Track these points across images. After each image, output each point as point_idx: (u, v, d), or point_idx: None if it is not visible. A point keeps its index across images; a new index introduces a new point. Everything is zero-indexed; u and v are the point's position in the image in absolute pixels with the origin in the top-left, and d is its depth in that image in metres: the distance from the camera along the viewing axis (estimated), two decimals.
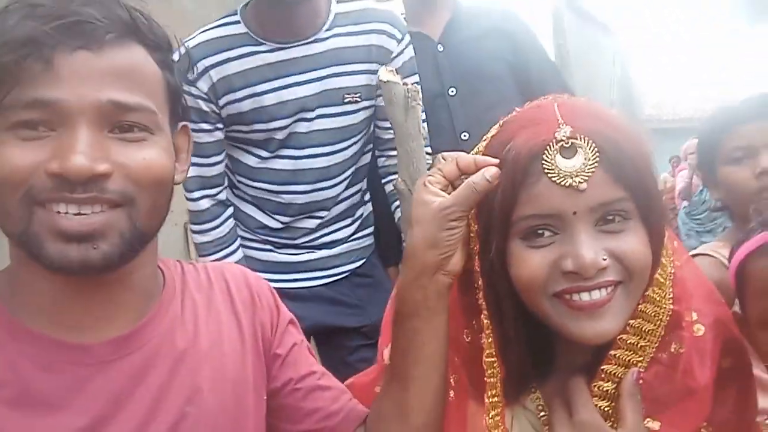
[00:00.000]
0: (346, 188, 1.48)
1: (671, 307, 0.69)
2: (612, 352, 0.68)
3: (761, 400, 0.75)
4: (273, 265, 1.48)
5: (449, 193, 0.69)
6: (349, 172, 1.46)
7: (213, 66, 1.33)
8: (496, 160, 0.67)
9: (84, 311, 0.65)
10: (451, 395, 0.72)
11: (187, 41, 1.32)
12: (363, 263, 1.56)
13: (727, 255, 1.13)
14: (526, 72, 1.61)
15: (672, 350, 0.69)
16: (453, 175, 0.70)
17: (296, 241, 1.49)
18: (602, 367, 0.68)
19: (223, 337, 0.75)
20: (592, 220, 0.64)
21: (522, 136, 0.66)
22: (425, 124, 1.28)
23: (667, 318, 0.69)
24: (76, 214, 0.59)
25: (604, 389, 0.68)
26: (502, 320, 0.70)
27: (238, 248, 1.47)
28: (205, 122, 1.36)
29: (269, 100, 1.36)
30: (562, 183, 0.63)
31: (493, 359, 0.70)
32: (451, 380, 0.73)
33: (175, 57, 0.73)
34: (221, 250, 1.44)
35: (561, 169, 0.63)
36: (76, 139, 0.59)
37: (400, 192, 1.24)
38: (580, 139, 0.64)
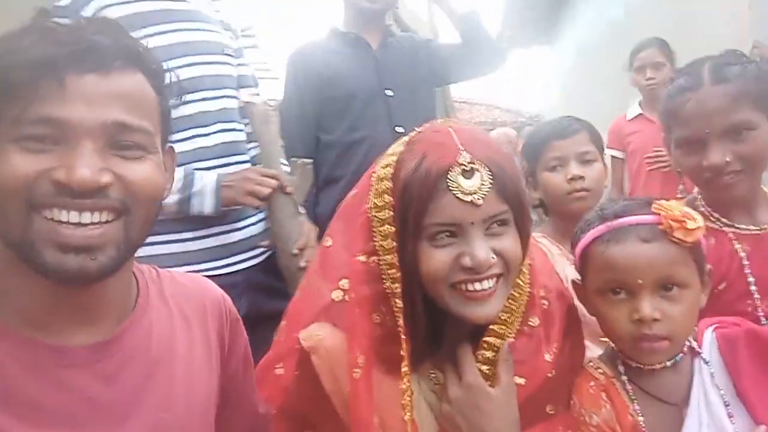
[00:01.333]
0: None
1: (529, 290, 0.89)
2: (491, 327, 0.85)
3: (594, 349, 1.01)
4: (206, 253, 1.43)
5: None
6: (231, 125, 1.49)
7: (106, 6, 1.35)
8: None
9: (67, 316, 0.67)
10: (360, 374, 0.82)
11: None
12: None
13: (546, 243, 1.43)
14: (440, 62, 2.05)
15: (530, 324, 0.89)
16: None
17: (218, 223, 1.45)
18: (484, 339, 0.86)
19: (194, 352, 0.79)
20: (483, 227, 0.81)
21: (430, 157, 0.81)
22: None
23: (527, 298, 0.89)
24: (76, 225, 0.62)
25: (486, 356, 0.86)
26: (412, 304, 0.83)
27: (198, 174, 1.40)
28: None
29: (160, 41, 1.39)
30: (464, 199, 0.79)
31: (404, 336, 0.83)
32: (358, 360, 0.82)
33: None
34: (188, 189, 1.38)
35: (463, 188, 0.79)
36: (82, 153, 0.62)
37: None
38: (477, 163, 0.80)
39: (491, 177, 0.80)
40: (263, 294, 1.52)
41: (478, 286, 0.81)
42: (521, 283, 0.88)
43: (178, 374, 0.75)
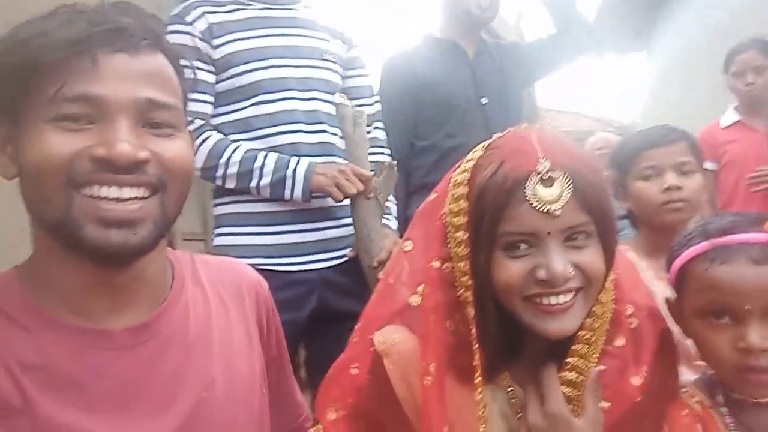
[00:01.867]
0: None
1: (613, 306, 0.83)
2: (573, 347, 0.80)
3: (686, 373, 0.92)
4: (280, 248, 1.50)
5: None
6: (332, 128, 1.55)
7: (209, 12, 1.50)
8: None
9: (107, 301, 0.68)
10: (430, 381, 0.80)
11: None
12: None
13: (633, 256, 1.34)
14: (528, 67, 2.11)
15: (616, 344, 0.83)
16: None
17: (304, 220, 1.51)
18: (566, 360, 0.80)
19: (232, 330, 0.79)
20: (562, 238, 0.76)
21: (508, 163, 0.77)
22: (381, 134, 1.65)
23: (610, 315, 0.83)
24: (116, 200, 0.63)
25: (569, 378, 0.80)
26: (484, 313, 0.80)
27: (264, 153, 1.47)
28: (200, 60, 1.48)
29: (259, 43, 1.51)
30: (541, 209, 0.74)
31: (476, 345, 0.80)
32: (430, 368, 0.80)
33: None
34: (257, 157, 1.46)
35: (541, 197, 0.75)
36: (119, 129, 0.63)
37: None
38: (557, 172, 0.76)
39: (572, 186, 0.76)
40: (337, 293, 1.54)
41: (553, 299, 0.77)
42: (603, 299, 0.82)
43: (216, 354, 0.75)
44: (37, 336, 0.65)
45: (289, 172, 1.45)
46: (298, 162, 1.47)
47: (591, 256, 0.77)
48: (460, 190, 0.81)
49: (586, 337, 0.81)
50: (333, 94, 1.54)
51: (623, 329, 0.84)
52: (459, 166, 0.85)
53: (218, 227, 1.56)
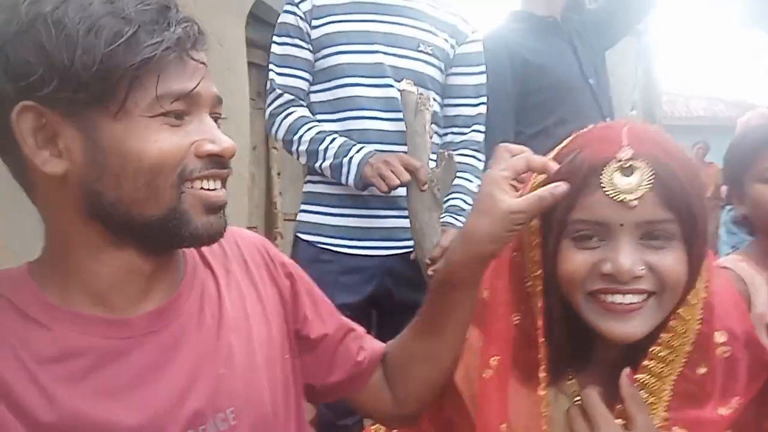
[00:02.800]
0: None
1: (698, 327, 0.76)
2: (645, 363, 0.74)
3: None
4: (345, 230, 1.54)
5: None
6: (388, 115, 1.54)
7: None
8: (564, 184, 0.72)
9: (132, 290, 0.70)
10: (490, 374, 0.78)
11: None
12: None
13: (746, 268, 1.19)
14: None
15: (699, 372, 0.75)
16: (521, 172, 0.76)
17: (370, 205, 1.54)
18: (636, 376, 0.74)
19: (245, 303, 0.79)
20: (637, 233, 0.70)
21: (588, 149, 0.73)
22: (434, 126, 1.55)
23: (695, 336, 0.75)
24: (214, 189, 0.69)
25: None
26: (550, 307, 0.76)
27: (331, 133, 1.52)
28: (301, 39, 1.55)
29: (354, 27, 1.53)
30: (615, 198, 0.69)
31: (542, 339, 0.76)
32: (491, 361, 0.78)
33: None
34: (325, 139, 1.51)
35: (616, 186, 0.70)
36: (211, 125, 0.69)
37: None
38: (639, 161, 0.70)
39: (653, 177, 0.69)
40: (399, 282, 1.55)
41: (618, 298, 0.71)
42: (686, 316, 0.75)
43: (231, 327, 0.75)
44: (54, 329, 0.66)
45: (346, 159, 1.48)
46: (358, 150, 1.48)
47: (670, 260, 0.70)
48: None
49: (662, 354, 0.74)
50: (421, 87, 1.50)
51: (710, 357, 0.76)
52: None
53: (302, 203, 1.64)
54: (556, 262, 0.74)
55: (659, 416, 0.75)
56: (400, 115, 1.49)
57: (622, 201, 0.69)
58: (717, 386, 0.75)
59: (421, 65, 1.56)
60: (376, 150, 1.49)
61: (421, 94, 1.43)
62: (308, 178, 1.63)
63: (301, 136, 1.52)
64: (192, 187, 0.67)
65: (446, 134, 1.65)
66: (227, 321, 0.76)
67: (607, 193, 0.70)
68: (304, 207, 1.62)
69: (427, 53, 1.57)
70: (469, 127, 1.64)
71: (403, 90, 1.43)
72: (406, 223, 1.49)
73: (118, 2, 0.64)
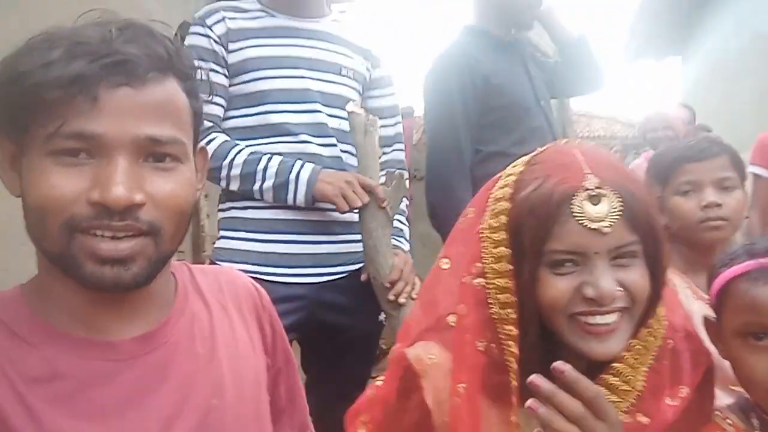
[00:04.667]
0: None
1: (664, 332, 0.83)
2: (615, 365, 0.79)
3: (722, 397, 0.91)
4: (273, 258, 1.46)
5: None
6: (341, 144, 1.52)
7: (229, 18, 1.49)
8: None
9: (110, 317, 0.69)
10: (457, 401, 0.78)
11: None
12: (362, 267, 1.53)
13: (668, 275, 1.31)
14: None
15: (662, 363, 0.82)
16: None
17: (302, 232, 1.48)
18: (603, 376, 0.78)
19: (236, 336, 0.79)
20: (609, 257, 0.75)
21: (553, 179, 0.76)
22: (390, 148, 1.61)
23: (661, 341, 0.82)
24: (111, 238, 0.64)
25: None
26: (525, 332, 0.79)
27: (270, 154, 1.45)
28: (215, 63, 1.48)
29: (275, 51, 1.49)
30: (590, 226, 0.73)
31: (516, 365, 0.78)
32: (459, 388, 0.79)
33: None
34: (260, 159, 1.43)
35: (589, 215, 0.74)
36: (115, 170, 0.63)
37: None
38: (606, 189, 0.75)
39: (621, 204, 0.75)
40: (331, 311, 1.50)
41: (600, 319, 0.76)
42: (655, 326, 0.82)
43: (223, 361, 0.75)
44: (43, 349, 0.65)
45: (293, 176, 1.42)
46: (302, 166, 1.43)
47: (636, 276, 0.76)
48: (500, 205, 0.80)
49: (629, 360, 0.79)
50: (342, 109, 1.51)
51: (664, 350, 0.83)
52: (498, 181, 0.85)
53: (220, 230, 1.55)
54: (534, 289, 0.77)
55: (625, 404, 0.80)
56: (331, 141, 1.50)
57: (597, 229, 0.73)
58: (668, 375, 0.82)
59: (344, 89, 1.55)
60: None
61: (368, 115, 1.44)
62: (228, 204, 1.53)
63: (231, 161, 1.44)
64: (83, 234, 0.63)
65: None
66: (219, 352, 0.75)
67: (580, 222, 0.73)
68: (225, 234, 1.51)
69: (348, 77, 1.56)
70: (391, 146, 1.65)
71: (351, 112, 1.44)
72: (337, 249, 1.49)
73: (77, 43, 0.63)
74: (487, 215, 0.83)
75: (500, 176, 0.85)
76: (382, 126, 1.57)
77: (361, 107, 1.49)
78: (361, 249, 1.47)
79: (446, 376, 0.81)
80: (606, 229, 0.74)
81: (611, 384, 0.79)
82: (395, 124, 1.67)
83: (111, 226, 0.63)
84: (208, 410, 0.71)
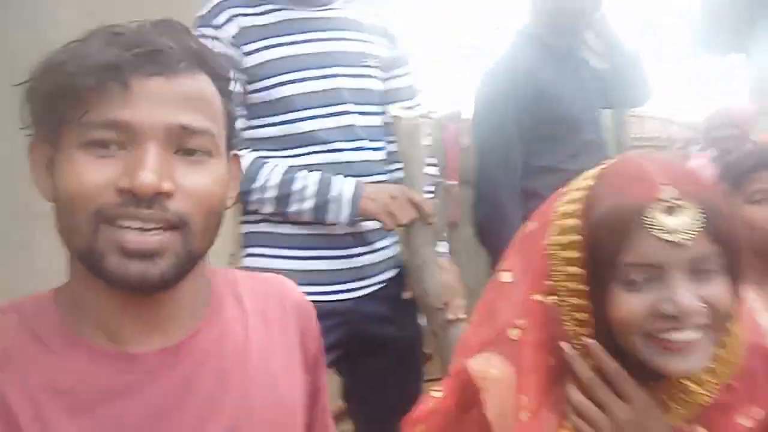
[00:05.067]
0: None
1: (741, 351, 0.79)
2: (684, 381, 0.77)
3: None
4: (311, 275, 1.35)
5: None
6: (373, 144, 1.42)
7: (240, 14, 1.33)
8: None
9: (137, 324, 0.67)
10: (528, 417, 0.77)
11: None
12: (399, 271, 1.46)
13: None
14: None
15: (737, 382, 0.79)
16: None
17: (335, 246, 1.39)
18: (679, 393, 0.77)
19: (275, 350, 0.76)
20: (688, 270, 0.72)
21: (627, 192, 0.74)
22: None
23: (738, 359, 0.79)
24: (139, 230, 0.62)
25: (680, 413, 0.78)
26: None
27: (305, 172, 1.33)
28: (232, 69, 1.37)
29: (296, 50, 1.34)
30: (667, 238, 0.71)
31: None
32: (527, 402, 0.78)
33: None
34: (295, 178, 1.31)
35: (666, 226, 0.71)
36: (146, 157, 0.62)
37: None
38: (684, 200, 0.72)
39: (703, 215, 0.72)
40: (373, 322, 1.42)
41: (680, 336, 0.72)
42: (730, 342, 0.78)
43: (255, 378, 0.72)
44: (66, 359, 0.64)
45: (334, 194, 1.31)
46: (343, 183, 1.32)
47: (719, 291, 0.73)
48: (570, 222, 0.79)
49: (704, 378, 0.77)
50: (374, 105, 1.42)
51: (740, 368, 0.80)
52: (566, 195, 0.82)
53: (247, 246, 1.42)
54: (606, 307, 0.74)
55: (688, 412, 0.78)
56: (362, 143, 1.39)
57: (675, 242, 0.70)
58: (742, 394, 0.79)
59: (372, 82, 1.42)
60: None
61: (417, 118, 1.34)
62: (258, 216, 1.38)
63: (264, 183, 1.31)
64: (111, 225, 0.62)
65: (391, 142, 1.48)
66: (252, 370, 0.72)
67: (657, 234, 0.71)
68: (254, 251, 1.39)
69: (372, 66, 1.43)
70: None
71: (396, 116, 1.34)
72: (375, 258, 1.42)
73: (113, 34, 0.64)
74: (554, 230, 0.81)
75: (567, 190, 0.83)
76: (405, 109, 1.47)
77: (406, 109, 1.39)
78: (395, 254, 1.43)
79: (508, 390, 0.80)
80: (686, 242, 0.71)
81: (675, 388, 0.77)
82: (415, 106, 1.53)
83: (138, 214, 0.61)
84: (233, 426, 0.68)
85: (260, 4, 1.36)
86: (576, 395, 0.77)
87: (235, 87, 1.22)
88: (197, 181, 0.65)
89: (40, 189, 0.68)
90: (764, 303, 1.21)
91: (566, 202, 0.81)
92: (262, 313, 0.77)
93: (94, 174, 0.61)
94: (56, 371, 0.64)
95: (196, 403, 0.67)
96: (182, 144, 0.65)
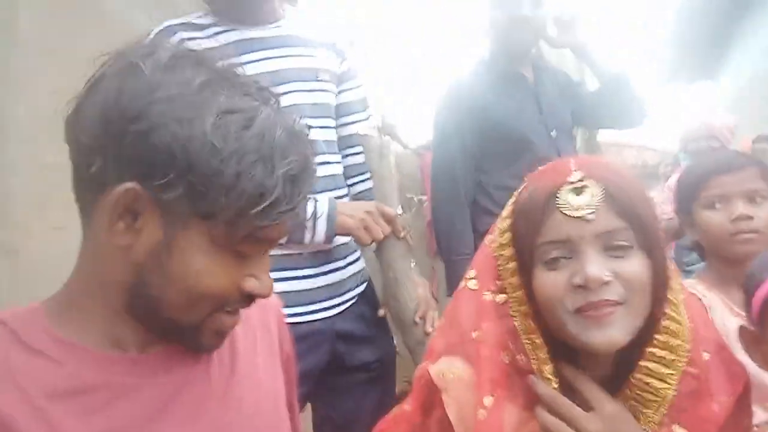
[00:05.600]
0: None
1: (689, 324, 0.80)
2: (643, 363, 0.78)
3: (759, 414, 0.87)
4: (294, 296, 1.33)
5: None
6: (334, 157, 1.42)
7: (188, 38, 1.29)
8: None
9: (140, 333, 0.70)
10: (485, 415, 0.78)
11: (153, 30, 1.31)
12: (366, 286, 1.46)
13: (701, 289, 1.27)
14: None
15: (696, 370, 0.80)
16: None
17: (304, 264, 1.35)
18: (635, 375, 0.78)
19: (257, 346, 0.81)
20: (599, 245, 0.76)
21: (542, 180, 0.81)
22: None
23: (690, 333, 0.80)
24: (232, 313, 0.71)
25: (642, 397, 0.78)
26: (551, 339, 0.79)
27: None
28: None
29: (248, 70, 1.30)
30: (573, 215, 0.76)
31: (548, 374, 0.79)
32: (485, 401, 0.79)
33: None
34: None
35: (571, 204, 0.77)
36: (265, 264, 0.72)
37: None
38: (587, 180, 0.77)
39: (603, 191, 0.77)
40: (350, 343, 1.41)
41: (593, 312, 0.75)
42: (675, 314, 0.80)
43: (242, 373, 0.76)
44: (66, 364, 0.66)
45: (309, 212, 1.28)
46: (316, 201, 1.30)
47: (632, 265, 0.76)
48: (505, 223, 0.85)
49: (661, 355, 0.78)
50: (331, 118, 1.43)
51: (698, 359, 0.81)
52: (509, 202, 0.88)
53: None
54: (533, 287, 0.78)
55: (659, 414, 0.78)
56: (324, 158, 1.37)
57: (580, 217, 0.76)
58: (707, 384, 0.80)
59: (326, 96, 1.42)
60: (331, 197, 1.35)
61: (382, 136, 1.37)
62: None
63: None
64: (222, 313, 0.69)
65: (346, 156, 1.47)
66: (238, 363, 0.77)
67: (564, 212, 0.76)
68: None
69: (325, 81, 1.42)
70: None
71: (365, 134, 1.36)
72: (346, 273, 1.41)
73: (267, 137, 0.64)
74: (496, 233, 0.87)
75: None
76: (356, 121, 1.48)
77: (374, 127, 1.41)
78: (361, 268, 1.43)
79: (468, 390, 0.81)
80: (590, 216, 0.76)
81: (642, 391, 0.78)
82: (368, 117, 1.53)
83: (247, 306, 0.71)
84: (225, 423, 0.72)
85: (208, 26, 1.35)
86: (544, 416, 0.78)
87: None
88: None
89: (117, 239, 0.65)
90: (726, 304, 1.24)
91: (506, 207, 0.87)
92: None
93: (227, 277, 0.68)
94: (56, 377, 0.65)
95: (192, 400, 0.71)
96: None
